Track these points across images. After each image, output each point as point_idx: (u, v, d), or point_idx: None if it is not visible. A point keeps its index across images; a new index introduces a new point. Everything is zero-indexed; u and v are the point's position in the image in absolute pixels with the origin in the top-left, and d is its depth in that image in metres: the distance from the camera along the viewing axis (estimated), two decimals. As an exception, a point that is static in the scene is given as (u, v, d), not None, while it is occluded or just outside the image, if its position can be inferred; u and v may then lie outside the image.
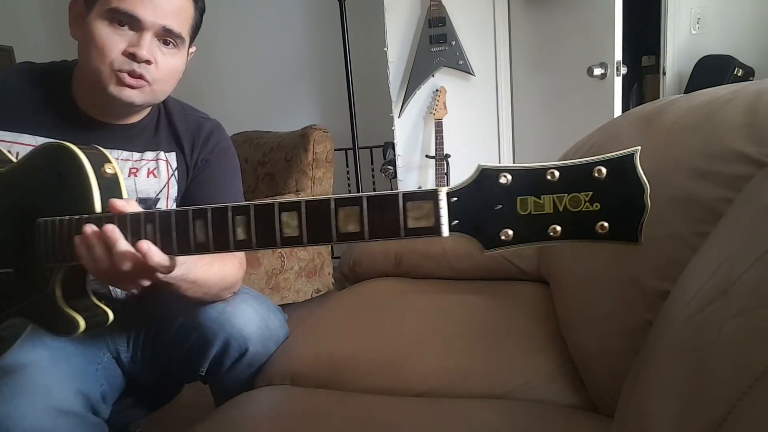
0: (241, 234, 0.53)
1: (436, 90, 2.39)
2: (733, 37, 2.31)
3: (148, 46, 0.78)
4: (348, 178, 2.85)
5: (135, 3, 0.76)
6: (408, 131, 2.57)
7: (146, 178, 0.91)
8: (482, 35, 2.39)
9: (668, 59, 2.38)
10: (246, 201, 0.96)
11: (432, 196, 0.47)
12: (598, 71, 1.89)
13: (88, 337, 0.92)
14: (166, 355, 0.92)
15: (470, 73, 2.35)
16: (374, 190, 2.92)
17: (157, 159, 0.92)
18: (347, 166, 2.84)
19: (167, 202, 0.93)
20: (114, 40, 0.77)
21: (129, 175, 0.90)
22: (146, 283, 0.65)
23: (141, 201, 0.90)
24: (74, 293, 0.69)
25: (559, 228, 0.45)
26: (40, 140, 0.84)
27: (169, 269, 0.62)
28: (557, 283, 1.05)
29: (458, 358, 0.89)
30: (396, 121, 2.52)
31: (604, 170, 0.44)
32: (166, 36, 0.80)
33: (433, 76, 2.36)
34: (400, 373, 0.88)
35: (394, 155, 2.58)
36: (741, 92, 0.72)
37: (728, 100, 0.73)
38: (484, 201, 0.46)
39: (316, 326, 1.10)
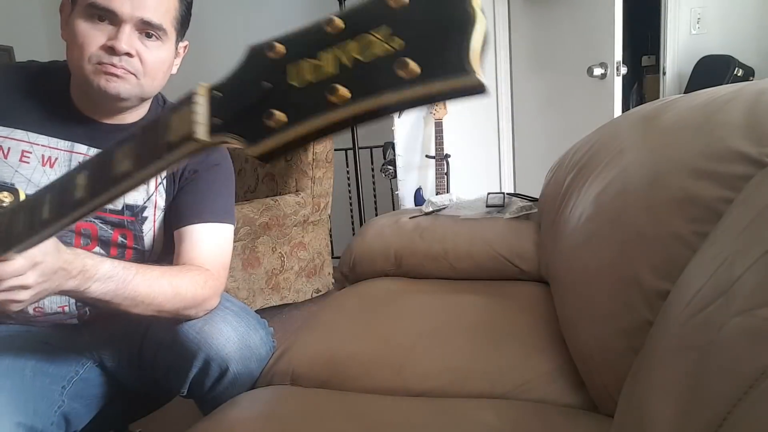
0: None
1: (436, 90, 2.39)
2: (733, 37, 2.31)
3: (128, 38, 0.77)
4: (348, 178, 2.85)
5: None
6: (408, 131, 2.58)
7: None
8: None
9: (668, 59, 2.38)
10: (243, 203, 0.95)
11: (191, 97, 0.36)
12: (598, 71, 1.89)
13: (62, 348, 0.91)
14: (150, 370, 0.91)
15: (470, 73, 2.34)
16: (374, 191, 2.93)
17: None
18: (347, 166, 2.84)
19: (154, 211, 0.92)
20: (93, 35, 0.77)
21: None
22: (21, 295, 0.60)
23: (128, 208, 0.89)
24: None
25: (344, 88, 0.30)
26: (33, 136, 0.83)
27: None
28: (557, 283, 1.05)
29: (458, 358, 0.89)
30: (396, 121, 2.53)
31: None
32: (147, 28, 0.79)
33: (433, 76, 2.36)
34: (400, 373, 0.88)
35: (394, 155, 2.58)
36: (741, 92, 0.73)
37: (728, 100, 0.73)
38: (251, 85, 0.34)
39: (316, 326, 1.10)
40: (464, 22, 0.29)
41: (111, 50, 0.77)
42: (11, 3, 3.05)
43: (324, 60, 0.31)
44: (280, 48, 0.32)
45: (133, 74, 0.80)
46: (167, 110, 0.38)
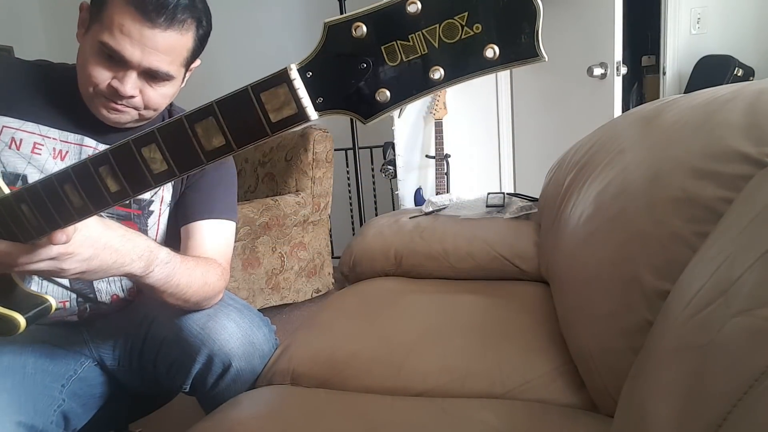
0: (112, 185, 0.48)
1: (436, 90, 2.39)
2: (733, 37, 2.31)
3: (133, 82, 0.77)
4: (348, 178, 2.86)
5: (123, 42, 0.74)
6: (408, 131, 2.58)
7: None
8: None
9: (668, 59, 2.38)
10: (237, 201, 0.98)
11: (283, 77, 0.40)
12: (598, 71, 1.89)
13: (61, 346, 0.91)
14: (152, 368, 0.91)
15: (470, 73, 2.35)
16: (374, 191, 2.93)
17: None
18: (347, 166, 2.84)
19: (160, 206, 0.93)
20: (100, 71, 0.77)
21: None
22: (65, 264, 0.60)
23: (135, 201, 0.90)
24: (2, 289, 0.65)
25: (441, 69, 0.38)
26: (44, 129, 0.84)
27: (14, 257, 0.57)
28: (557, 283, 1.05)
29: (458, 358, 0.89)
30: (396, 121, 2.53)
31: None
32: (154, 74, 0.79)
33: (433, 76, 2.36)
34: (400, 373, 0.88)
35: (394, 155, 2.58)
36: (741, 92, 0.72)
37: (728, 100, 0.73)
38: (344, 64, 0.39)
39: (316, 326, 1.10)
40: (532, 13, 0.36)
41: (115, 91, 0.78)
42: (11, 3, 3.05)
43: (413, 41, 0.37)
44: (363, 27, 0.38)
45: (135, 108, 0.82)
46: (251, 89, 0.41)
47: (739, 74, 2.16)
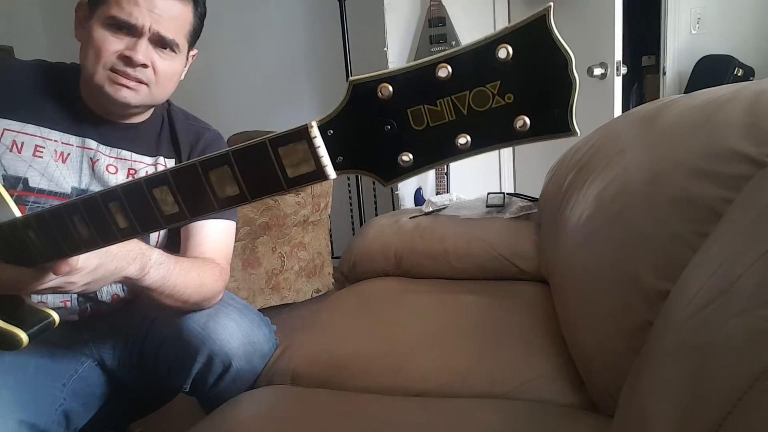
0: (122, 221, 0.48)
1: (436, 90, 2.39)
2: (733, 37, 2.31)
3: (145, 50, 0.81)
4: (348, 178, 2.86)
5: (132, 11, 0.78)
6: (408, 131, 2.57)
7: None
8: (482, 35, 2.39)
9: (668, 59, 2.38)
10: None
11: (303, 134, 0.38)
12: (598, 71, 1.89)
13: (62, 345, 0.91)
14: (152, 367, 0.91)
15: (470, 73, 2.34)
16: (374, 190, 2.93)
17: (156, 164, 0.92)
18: (347, 166, 2.84)
19: None
20: (111, 42, 0.79)
21: (128, 176, 0.90)
22: (73, 278, 0.60)
23: None
24: (5, 305, 0.64)
25: (468, 137, 0.36)
26: (45, 131, 0.84)
27: (21, 283, 0.58)
28: (557, 283, 1.05)
29: (458, 358, 0.89)
30: (396, 121, 2.52)
31: (510, 48, 0.35)
32: (162, 42, 0.82)
33: (433, 76, 2.36)
34: (400, 373, 0.88)
35: (394, 155, 2.58)
36: (741, 92, 0.73)
37: (728, 100, 0.73)
38: (367, 125, 0.38)
39: (315, 326, 1.10)
40: (568, 86, 0.34)
41: (127, 60, 0.80)
42: (11, 3, 3.05)
43: (441, 106, 0.36)
44: (389, 87, 0.36)
45: (146, 84, 0.83)
46: (269, 142, 0.39)
47: (739, 74, 2.16)
